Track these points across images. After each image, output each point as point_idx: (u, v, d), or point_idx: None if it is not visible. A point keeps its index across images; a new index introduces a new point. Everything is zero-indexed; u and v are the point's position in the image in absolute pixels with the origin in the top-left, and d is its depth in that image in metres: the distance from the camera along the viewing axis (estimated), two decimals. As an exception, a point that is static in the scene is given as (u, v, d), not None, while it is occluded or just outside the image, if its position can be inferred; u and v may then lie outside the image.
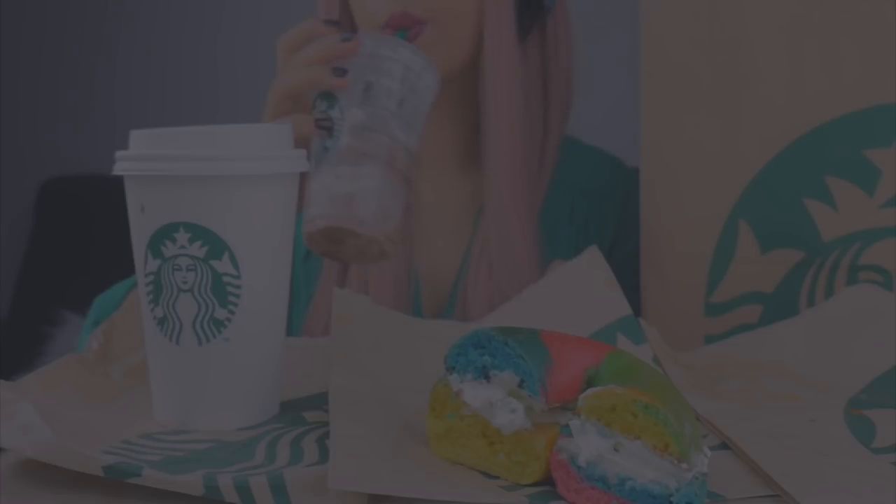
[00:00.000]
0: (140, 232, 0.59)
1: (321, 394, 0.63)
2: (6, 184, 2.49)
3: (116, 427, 0.59)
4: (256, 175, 0.58)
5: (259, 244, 0.59)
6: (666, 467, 0.46)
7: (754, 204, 0.78)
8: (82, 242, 2.33)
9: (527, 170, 0.94)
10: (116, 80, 2.50)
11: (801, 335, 0.72)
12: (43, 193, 2.45)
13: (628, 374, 0.51)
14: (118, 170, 0.59)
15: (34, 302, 2.31)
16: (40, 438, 0.51)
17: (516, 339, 0.51)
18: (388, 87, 0.73)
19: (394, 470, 0.49)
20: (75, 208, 2.40)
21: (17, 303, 2.37)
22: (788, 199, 0.78)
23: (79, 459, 0.50)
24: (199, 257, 0.57)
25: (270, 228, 0.59)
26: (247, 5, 2.44)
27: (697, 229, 0.81)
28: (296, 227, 0.63)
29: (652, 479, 0.47)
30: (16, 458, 0.53)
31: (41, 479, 0.51)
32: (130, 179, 0.59)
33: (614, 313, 0.69)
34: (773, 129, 0.77)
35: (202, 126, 0.62)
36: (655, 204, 0.83)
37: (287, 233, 0.61)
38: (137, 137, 0.59)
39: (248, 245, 0.58)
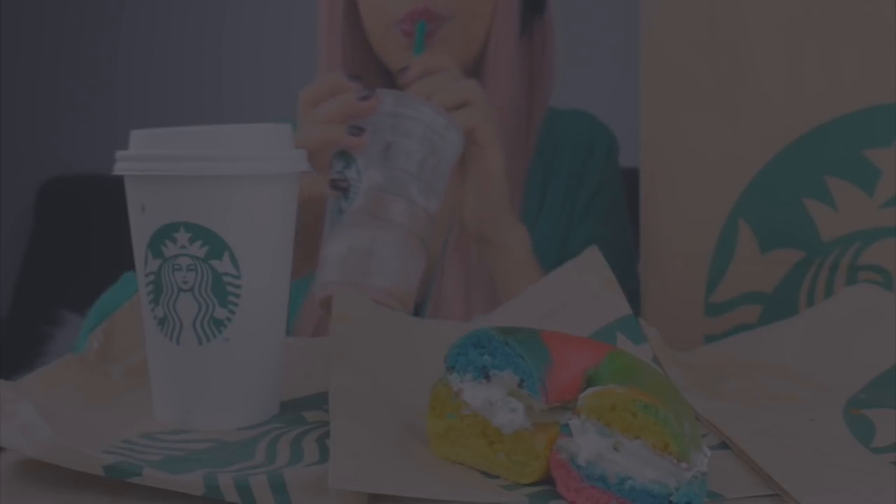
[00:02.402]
0: (140, 232, 0.59)
1: (321, 394, 0.63)
2: (6, 184, 2.49)
3: (117, 427, 0.59)
4: (257, 175, 0.58)
5: (259, 244, 0.59)
6: (666, 467, 0.46)
7: (754, 204, 0.79)
8: (82, 242, 2.33)
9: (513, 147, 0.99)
10: (117, 80, 2.50)
11: (801, 335, 0.72)
12: (43, 193, 2.45)
13: (628, 373, 0.51)
14: (118, 170, 0.59)
15: (34, 302, 2.31)
16: (40, 438, 0.51)
17: (516, 338, 0.51)
18: (408, 147, 0.71)
19: (394, 469, 0.49)
20: (75, 208, 2.40)
21: (17, 303, 2.37)
22: (788, 199, 0.78)
23: (79, 459, 0.50)
24: (199, 257, 0.57)
25: (270, 228, 0.59)
26: (247, 4, 2.44)
27: (697, 229, 0.81)
28: (295, 228, 0.63)
29: (652, 479, 0.47)
30: (16, 458, 0.53)
31: (41, 479, 0.51)
32: (131, 179, 0.59)
33: (614, 313, 0.69)
34: (773, 129, 0.77)
35: (202, 126, 0.62)
36: (655, 204, 0.83)
37: (287, 233, 0.61)
38: (138, 137, 0.59)
39: (248, 245, 0.58)
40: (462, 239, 0.95)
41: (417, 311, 0.97)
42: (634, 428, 0.47)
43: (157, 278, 0.58)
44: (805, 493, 0.49)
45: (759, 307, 0.79)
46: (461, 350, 0.52)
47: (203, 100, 2.42)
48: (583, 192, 1.05)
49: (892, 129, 0.75)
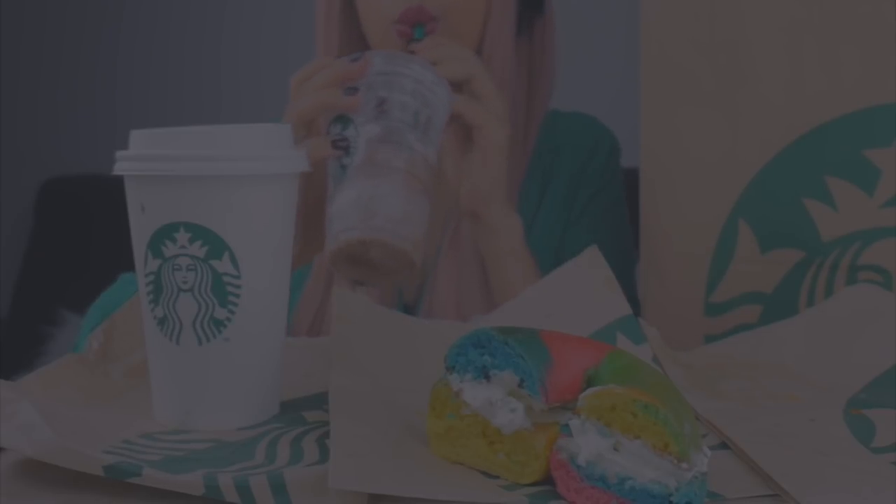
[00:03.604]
0: (140, 232, 0.59)
1: (321, 394, 0.63)
2: (6, 184, 2.49)
3: (116, 427, 0.59)
4: (257, 175, 0.58)
5: (259, 244, 0.59)
6: (666, 467, 0.46)
7: (754, 204, 0.79)
8: (82, 242, 2.33)
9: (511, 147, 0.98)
10: (116, 80, 2.50)
11: (801, 335, 0.72)
12: (43, 193, 2.45)
13: (628, 373, 0.51)
14: (118, 170, 0.59)
15: (34, 302, 2.31)
16: (40, 438, 0.51)
17: (516, 338, 0.51)
18: (402, 100, 0.73)
19: (394, 469, 0.49)
20: (75, 208, 2.40)
21: (17, 303, 2.37)
22: (788, 199, 0.78)
23: (79, 459, 0.50)
24: (199, 257, 0.57)
25: (270, 228, 0.59)
26: (245, 4, 2.44)
27: (697, 229, 0.81)
28: (294, 224, 0.63)
29: (652, 479, 0.47)
30: (16, 458, 0.53)
31: (41, 479, 0.51)
32: (131, 179, 0.59)
33: (614, 313, 0.69)
34: (773, 129, 0.77)
35: (202, 126, 0.62)
36: (655, 204, 0.83)
37: (287, 233, 0.61)
38: (138, 137, 0.59)
39: (248, 245, 0.58)
40: (458, 239, 0.95)
41: (412, 310, 0.97)
42: (634, 428, 0.47)
43: (157, 278, 0.58)
44: (805, 493, 0.49)
45: (759, 307, 0.79)
46: (461, 350, 0.52)
47: (202, 99, 2.42)
48: (581, 195, 1.05)
49: (892, 129, 0.75)
